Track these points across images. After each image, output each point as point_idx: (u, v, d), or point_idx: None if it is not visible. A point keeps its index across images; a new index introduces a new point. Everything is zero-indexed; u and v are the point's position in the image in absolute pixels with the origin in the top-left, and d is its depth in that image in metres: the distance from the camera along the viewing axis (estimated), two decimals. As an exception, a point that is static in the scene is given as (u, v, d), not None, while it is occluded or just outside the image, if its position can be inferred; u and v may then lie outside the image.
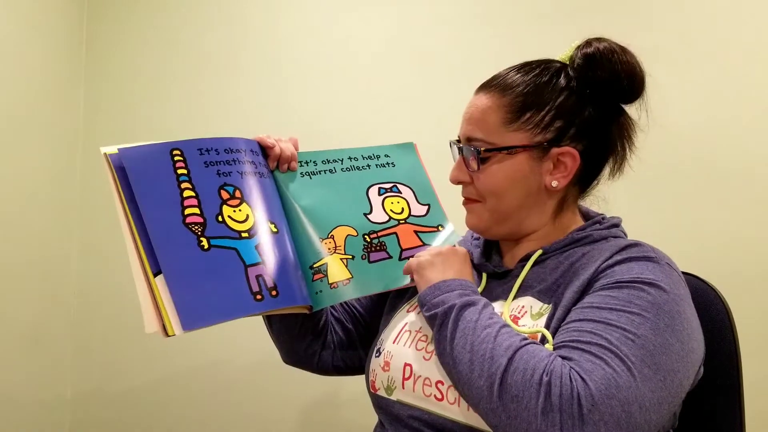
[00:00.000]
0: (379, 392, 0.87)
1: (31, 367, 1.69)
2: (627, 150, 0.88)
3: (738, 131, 1.36)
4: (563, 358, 0.69)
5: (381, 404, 0.88)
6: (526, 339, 0.72)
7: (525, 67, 0.87)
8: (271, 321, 1.01)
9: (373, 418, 0.92)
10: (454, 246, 0.91)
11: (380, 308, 1.01)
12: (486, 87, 0.88)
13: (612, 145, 0.87)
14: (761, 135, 1.34)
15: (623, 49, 0.83)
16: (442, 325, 0.77)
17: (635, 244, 0.80)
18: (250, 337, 1.56)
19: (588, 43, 0.85)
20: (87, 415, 1.81)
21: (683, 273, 0.82)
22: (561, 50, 0.89)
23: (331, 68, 1.67)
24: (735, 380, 0.90)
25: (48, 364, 1.75)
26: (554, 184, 0.85)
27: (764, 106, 1.35)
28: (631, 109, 0.88)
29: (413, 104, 1.60)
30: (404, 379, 0.83)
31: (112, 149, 0.83)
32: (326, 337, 1.02)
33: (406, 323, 0.89)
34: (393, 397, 0.85)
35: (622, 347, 0.67)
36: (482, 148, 0.84)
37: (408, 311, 0.92)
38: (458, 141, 0.90)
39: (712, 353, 0.88)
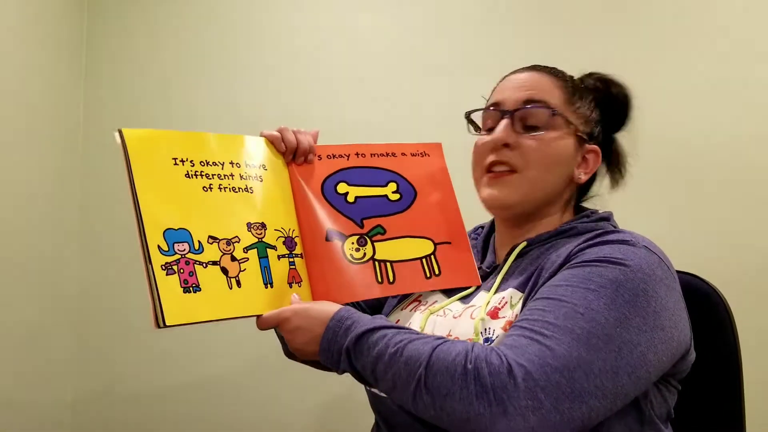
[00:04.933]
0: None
1: (31, 369, 1.69)
2: (623, 166, 0.92)
3: (737, 131, 1.36)
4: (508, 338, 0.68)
5: (375, 402, 0.88)
6: (435, 342, 0.69)
7: (554, 68, 0.90)
8: None
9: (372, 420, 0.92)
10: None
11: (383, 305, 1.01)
12: (532, 68, 0.88)
13: (614, 156, 0.91)
14: (760, 135, 1.35)
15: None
16: (356, 377, 0.77)
17: (615, 231, 0.79)
18: (250, 339, 1.56)
19: (596, 72, 0.90)
20: (87, 416, 1.81)
21: (684, 273, 0.82)
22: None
23: (333, 69, 1.67)
24: (735, 380, 0.90)
25: (48, 365, 1.75)
26: (582, 177, 0.86)
27: (764, 105, 1.35)
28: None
29: (412, 105, 1.60)
30: None
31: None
32: None
33: (398, 320, 0.89)
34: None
35: (566, 321, 0.66)
36: (557, 110, 0.83)
37: (401, 309, 0.92)
38: (493, 107, 0.87)
39: (712, 353, 0.88)
